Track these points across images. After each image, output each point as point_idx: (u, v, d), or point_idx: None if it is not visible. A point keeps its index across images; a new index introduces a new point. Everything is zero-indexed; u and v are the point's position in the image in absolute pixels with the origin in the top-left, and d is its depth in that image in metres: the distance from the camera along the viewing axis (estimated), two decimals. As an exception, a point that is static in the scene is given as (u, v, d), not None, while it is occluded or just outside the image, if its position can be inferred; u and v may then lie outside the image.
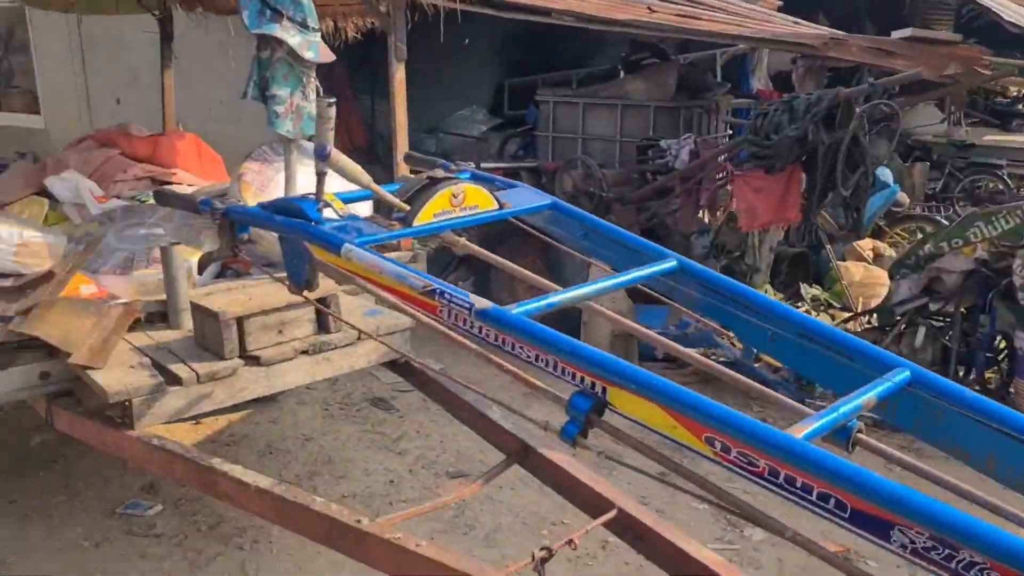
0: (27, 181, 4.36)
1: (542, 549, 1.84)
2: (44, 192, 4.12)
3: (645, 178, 6.00)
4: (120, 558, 3.29)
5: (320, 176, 1.83)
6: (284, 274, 2.08)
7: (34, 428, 4.01)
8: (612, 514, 2.01)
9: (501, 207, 1.96)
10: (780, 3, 8.22)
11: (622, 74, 7.33)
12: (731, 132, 7.17)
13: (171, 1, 5.38)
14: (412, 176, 2.11)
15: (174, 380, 2.65)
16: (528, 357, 1.43)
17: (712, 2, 6.71)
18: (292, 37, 3.04)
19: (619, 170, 6.38)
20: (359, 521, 1.98)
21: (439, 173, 1.92)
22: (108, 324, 2.88)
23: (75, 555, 3.31)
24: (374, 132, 8.80)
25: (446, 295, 1.50)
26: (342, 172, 1.79)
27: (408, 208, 1.81)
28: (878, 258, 6.91)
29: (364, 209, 2.22)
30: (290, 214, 1.87)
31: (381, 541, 1.92)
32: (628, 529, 2.01)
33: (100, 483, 3.85)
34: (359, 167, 1.83)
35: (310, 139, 3.21)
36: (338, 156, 1.75)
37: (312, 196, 1.87)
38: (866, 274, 6.36)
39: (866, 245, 6.99)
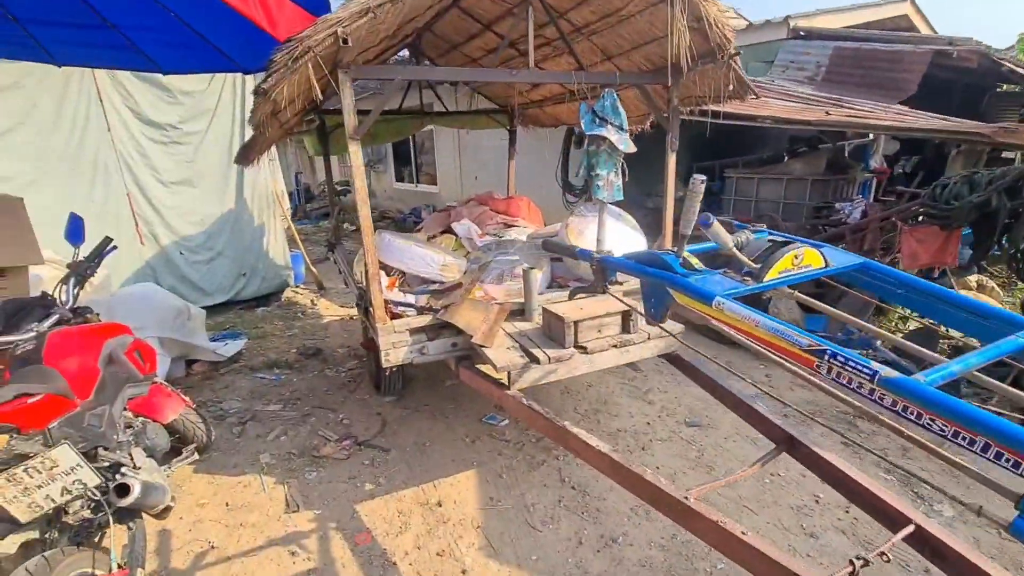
0: (439, 223, 4.32)
1: (858, 559, 1.22)
2: (450, 230, 4.03)
3: (816, 229, 4.89)
4: (486, 452, 3.06)
5: (682, 238, 1.34)
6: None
7: (447, 376, 3.95)
8: (910, 529, 1.33)
9: (827, 265, 1.34)
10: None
11: (786, 158, 6.22)
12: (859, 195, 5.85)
13: (515, 123, 5.12)
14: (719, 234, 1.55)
15: (533, 359, 2.30)
16: (941, 430, 0.82)
17: (860, 105, 5.36)
18: (612, 135, 2.59)
19: (794, 223, 5.30)
20: (686, 498, 1.50)
21: (746, 236, 1.36)
22: (492, 317, 2.60)
23: (460, 446, 3.13)
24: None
25: (838, 357, 0.94)
26: (716, 237, 1.28)
27: (757, 267, 1.26)
28: (981, 288, 5.27)
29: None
30: (656, 265, 1.39)
31: (706, 520, 1.42)
32: (926, 544, 1.32)
33: (472, 401, 3.67)
34: (726, 233, 1.30)
35: (614, 203, 2.73)
36: (717, 226, 1.24)
37: (673, 251, 1.38)
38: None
39: (972, 279, 5.36)
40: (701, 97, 2.93)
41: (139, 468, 2.09)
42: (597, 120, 2.63)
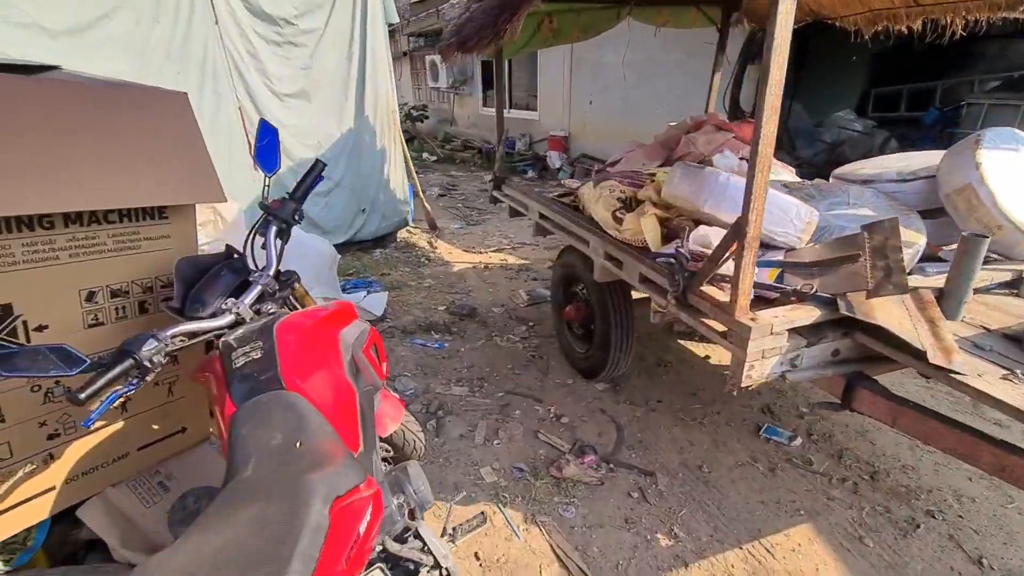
0: (651, 155, 3.23)
1: None
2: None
3: None
4: (804, 492, 2.14)
5: None
6: None
7: (652, 351, 3.01)
8: None
9: None
10: None
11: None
12: None
13: (734, 19, 3.82)
14: None
15: None
16: None
17: None
18: None
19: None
20: None
21: None
22: (930, 316, 1.58)
23: (757, 476, 2.23)
24: (787, 127, 6.80)
25: None
26: None
27: None
28: None
29: None
30: None
31: None
32: None
33: (722, 400, 2.75)
34: None
35: None
36: None
37: None
38: None
39: None
40: None
41: (434, 554, 1.26)
42: None
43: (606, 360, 2.70)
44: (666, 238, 2.04)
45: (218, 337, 1.35)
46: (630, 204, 2.36)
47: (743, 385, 1.60)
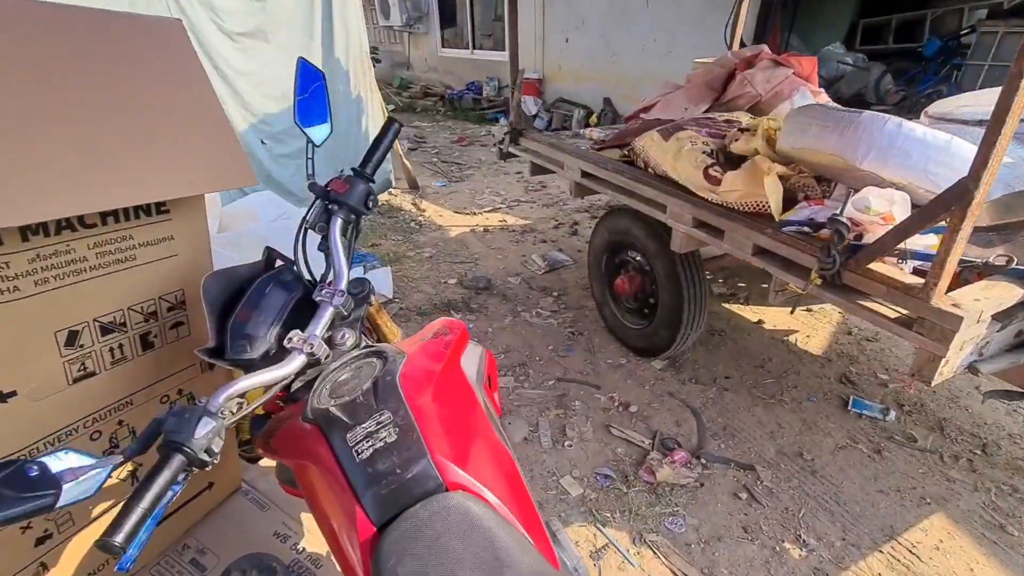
0: (692, 99, 2.84)
1: None
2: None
3: None
4: (920, 475, 1.95)
5: None
6: None
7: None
8: None
9: None
10: None
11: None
12: None
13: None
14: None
15: None
16: None
17: None
18: None
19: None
20: None
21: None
22: None
23: (864, 460, 2.03)
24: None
25: None
26: None
27: None
28: None
29: None
30: None
31: None
32: None
33: (785, 371, 2.53)
34: None
35: None
36: None
37: None
38: None
39: None
40: None
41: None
42: None
43: (673, 338, 2.39)
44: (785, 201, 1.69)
45: (286, 389, 0.93)
46: (717, 157, 1.98)
47: (939, 377, 1.32)
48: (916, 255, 1.39)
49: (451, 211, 4.91)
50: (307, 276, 1.08)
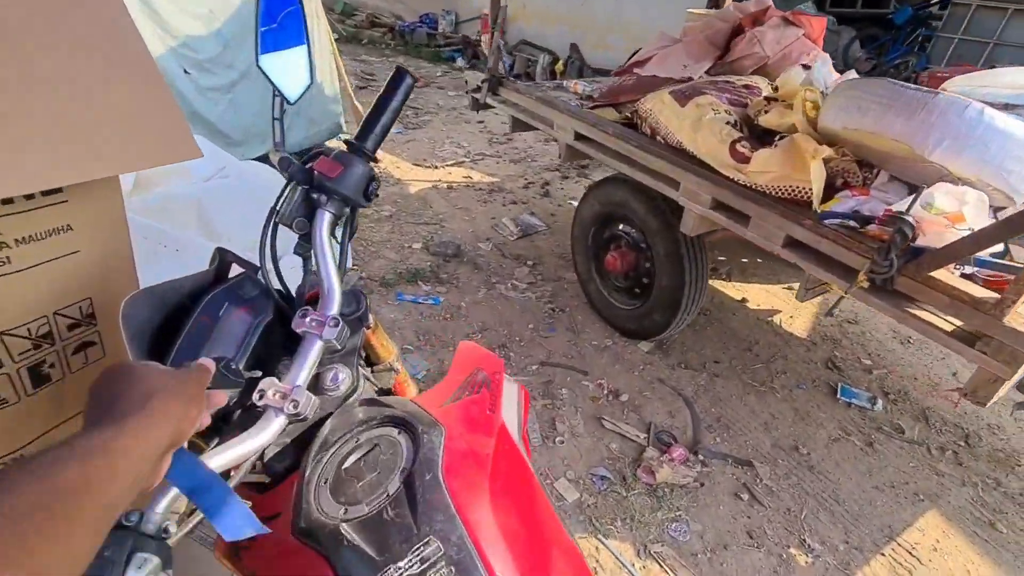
0: (694, 54, 2.57)
1: None
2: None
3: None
4: (911, 469, 1.94)
5: None
6: None
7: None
8: None
9: None
10: None
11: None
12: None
13: None
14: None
15: None
16: None
17: None
18: None
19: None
20: None
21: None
22: None
23: (856, 453, 2.00)
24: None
25: None
26: None
27: None
28: None
29: None
30: None
31: None
32: None
33: (773, 357, 2.47)
34: None
35: None
36: None
37: None
38: None
39: None
40: None
41: None
42: None
43: (668, 323, 2.24)
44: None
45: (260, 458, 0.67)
46: (742, 129, 1.76)
47: (988, 405, 1.21)
48: (978, 262, 1.24)
49: (409, 163, 4.46)
50: (277, 286, 0.78)
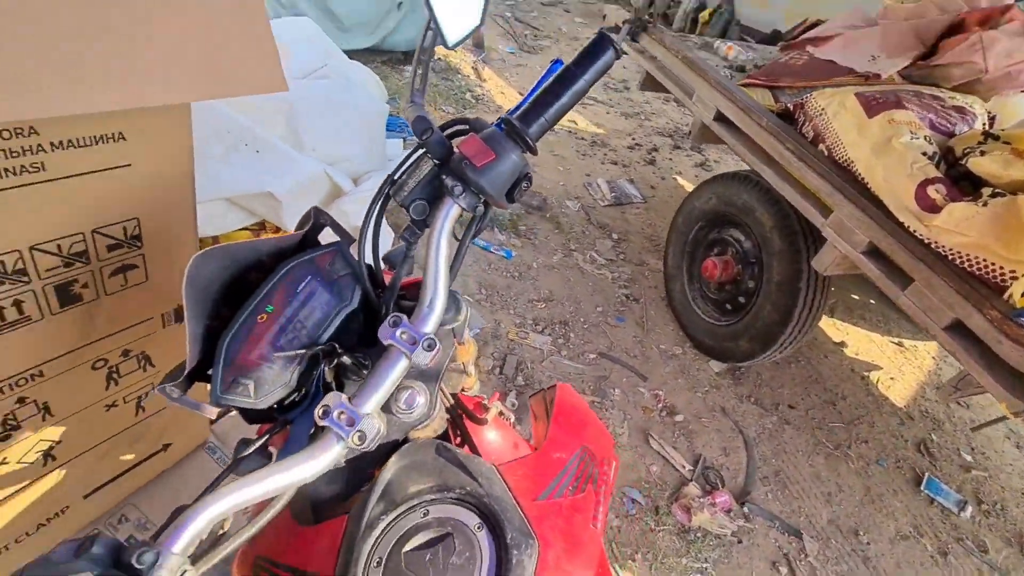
0: (891, 47, 2.09)
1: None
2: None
3: None
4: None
5: None
6: None
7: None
8: None
9: None
10: None
11: None
12: None
13: None
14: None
15: None
16: None
17: None
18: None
19: None
20: None
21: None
22: None
23: (923, 559, 1.75)
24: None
25: None
26: None
27: None
28: None
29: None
30: None
31: None
32: None
33: (857, 418, 2.17)
34: None
35: None
36: None
37: None
38: None
39: None
40: None
41: None
42: None
43: (755, 354, 1.97)
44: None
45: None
46: (938, 164, 1.39)
47: None
48: None
49: (516, 91, 4.14)
50: (368, 266, 0.63)
